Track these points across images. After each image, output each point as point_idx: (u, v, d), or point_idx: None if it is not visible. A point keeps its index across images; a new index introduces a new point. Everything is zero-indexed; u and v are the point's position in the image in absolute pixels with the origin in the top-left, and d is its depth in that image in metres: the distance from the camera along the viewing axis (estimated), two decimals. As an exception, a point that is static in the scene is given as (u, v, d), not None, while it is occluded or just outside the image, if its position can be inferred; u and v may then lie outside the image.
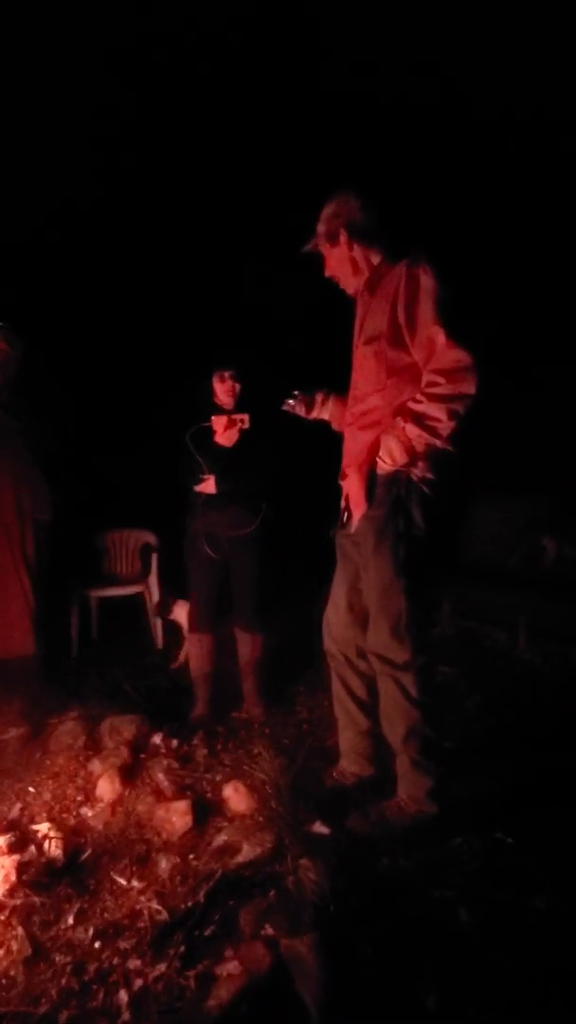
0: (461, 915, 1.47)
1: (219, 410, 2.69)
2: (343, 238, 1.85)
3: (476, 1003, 1.25)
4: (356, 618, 1.96)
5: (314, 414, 2.11)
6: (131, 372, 5.19)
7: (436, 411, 1.69)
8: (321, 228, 1.90)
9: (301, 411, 2.10)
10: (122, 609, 4.08)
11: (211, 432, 2.67)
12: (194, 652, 2.80)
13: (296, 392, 2.13)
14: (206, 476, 2.63)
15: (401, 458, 1.74)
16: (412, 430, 1.71)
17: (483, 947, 1.39)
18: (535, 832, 1.80)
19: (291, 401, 2.11)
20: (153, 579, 3.91)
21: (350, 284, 1.92)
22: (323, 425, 2.16)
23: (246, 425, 2.64)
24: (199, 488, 2.64)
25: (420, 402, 1.71)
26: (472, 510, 4.08)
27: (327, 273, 1.95)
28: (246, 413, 2.65)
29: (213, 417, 2.64)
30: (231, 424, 2.64)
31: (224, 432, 2.65)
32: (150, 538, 4.08)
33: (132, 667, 3.46)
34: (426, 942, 1.40)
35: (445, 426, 1.69)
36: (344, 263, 1.89)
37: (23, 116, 4.16)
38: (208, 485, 2.62)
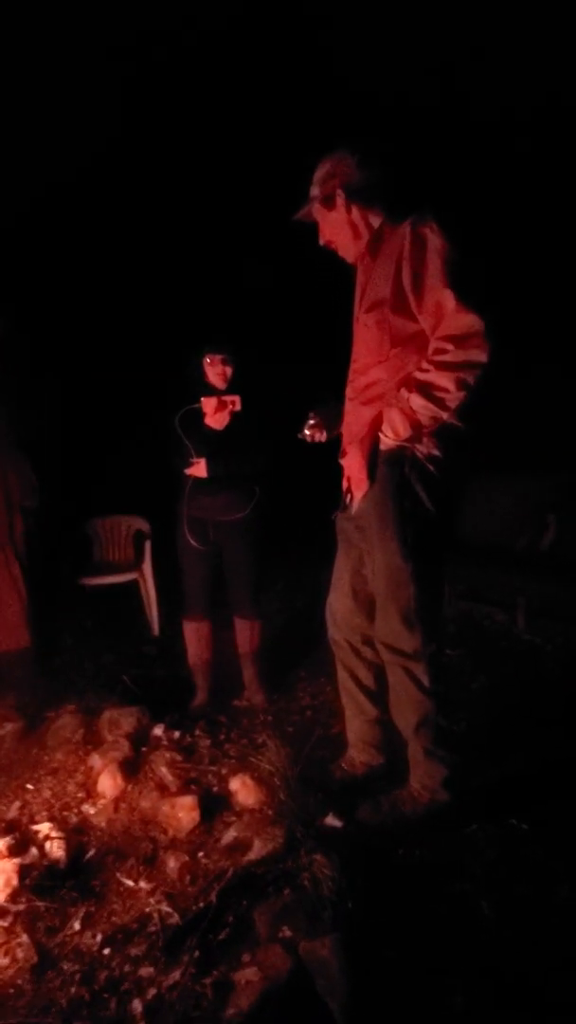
0: (483, 908, 1.43)
1: (209, 391, 2.58)
2: (340, 200, 1.70)
3: (504, 1001, 1.21)
4: (361, 605, 1.88)
5: (337, 431, 1.94)
6: (121, 355, 5.07)
7: (444, 380, 1.54)
8: (315, 191, 1.74)
9: (320, 436, 1.94)
10: (117, 598, 3.99)
11: (201, 414, 2.56)
12: (191, 640, 2.73)
13: (311, 414, 1.95)
14: (196, 460, 2.53)
15: (405, 432, 1.61)
16: (417, 401, 1.57)
17: (508, 942, 1.34)
18: (549, 817, 1.76)
19: (307, 431, 1.94)
20: (147, 566, 3.82)
21: (350, 251, 1.78)
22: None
23: (237, 407, 2.54)
24: (189, 471, 2.55)
25: (427, 371, 1.57)
26: (470, 488, 4.03)
27: (322, 241, 1.80)
28: (237, 395, 2.54)
29: (203, 399, 2.53)
30: (221, 406, 2.53)
31: (214, 415, 2.54)
32: (143, 524, 3.97)
33: (128, 657, 3.39)
34: (449, 938, 1.35)
35: (453, 397, 1.55)
36: (342, 228, 1.74)
37: (11, 106, 4.01)
38: (198, 468, 2.52)
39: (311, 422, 1.92)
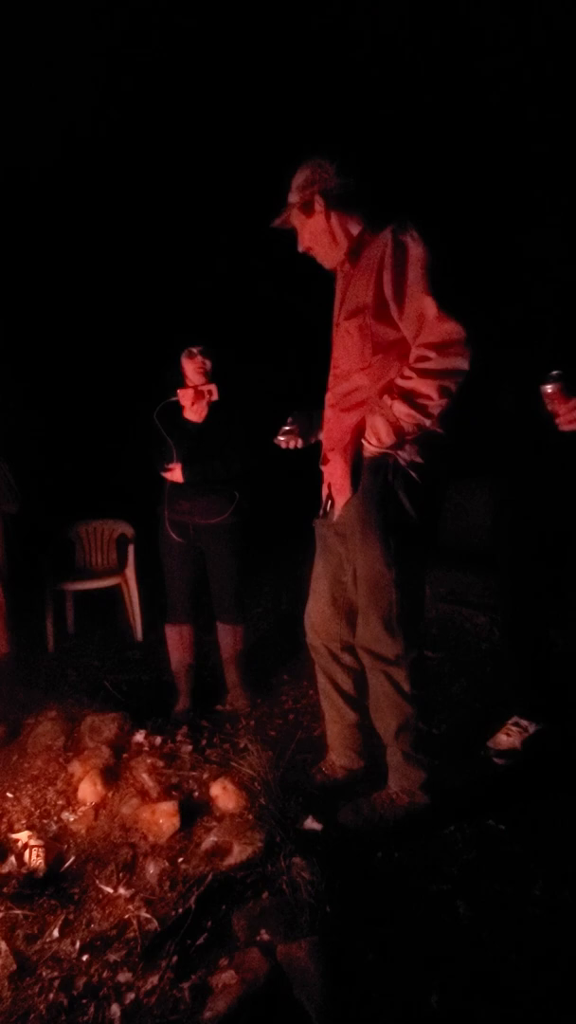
0: (460, 908, 1.46)
1: (182, 387, 2.58)
2: (319, 207, 1.71)
3: (480, 1000, 1.23)
4: (340, 611, 1.89)
5: (314, 438, 1.94)
6: (104, 357, 5.05)
7: (426, 388, 1.57)
8: (293, 199, 1.75)
9: (296, 442, 1.92)
10: (100, 603, 3.98)
11: (179, 408, 2.56)
12: (173, 644, 2.73)
13: (289, 420, 1.92)
14: (172, 464, 2.52)
15: (388, 439, 1.62)
16: (400, 408, 1.59)
17: (484, 941, 1.37)
18: (525, 818, 1.79)
19: (282, 437, 1.91)
20: (130, 571, 3.81)
21: (328, 257, 1.79)
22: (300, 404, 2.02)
23: (215, 396, 2.53)
24: (166, 476, 2.55)
25: (409, 378, 1.59)
26: (452, 492, 4.07)
27: (301, 247, 1.80)
28: (213, 384, 2.53)
29: (179, 391, 2.53)
30: (198, 396, 2.52)
31: (192, 406, 2.54)
32: (126, 529, 3.97)
33: (111, 662, 3.38)
34: (427, 939, 1.37)
35: (436, 404, 1.57)
36: (321, 235, 1.75)
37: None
38: (175, 474, 2.52)
39: (287, 428, 1.90)
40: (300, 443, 1.93)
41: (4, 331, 4.32)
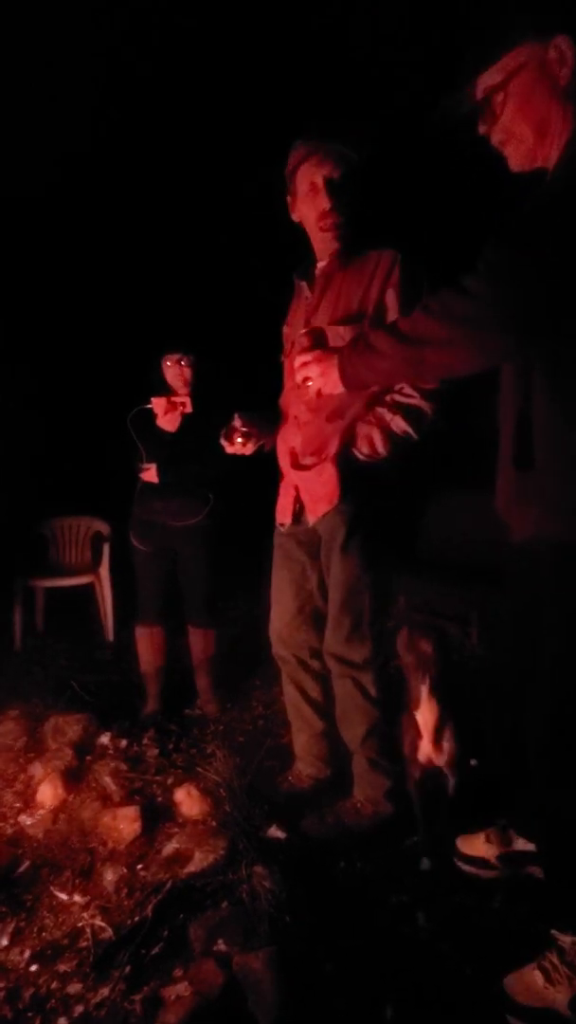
0: (419, 920, 1.44)
1: (163, 391, 2.55)
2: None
3: (435, 1013, 1.22)
4: (306, 619, 1.89)
5: (269, 443, 1.89)
6: (85, 352, 4.99)
7: (426, 407, 1.65)
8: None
9: (250, 448, 1.83)
10: (72, 601, 3.91)
11: (153, 415, 2.53)
12: (143, 646, 2.69)
13: (241, 423, 1.80)
14: (147, 464, 2.49)
15: (385, 450, 1.67)
16: (400, 423, 1.65)
17: (441, 953, 1.36)
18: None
19: (240, 440, 1.79)
20: (104, 570, 3.75)
21: (325, 250, 1.77)
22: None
23: (187, 409, 2.50)
24: (142, 476, 2.51)
25: (411, 396, 1.65)
26: (429, 504, 4.10)
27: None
28: (186, 396, 2.51)
29: (153, 399, 2.50)
30: (171, 407, 2.50)
31: (165, 415, 2.51)
32: (102, 526, 3.91)
33: (80, 662, 3.32)
34: (385, 951, 1.36)
35: (428, 421, 1.66)
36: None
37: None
38: (150, 473, 2.49)
39: (244, 430, 1.81)
40: (253, 448, 1.86)
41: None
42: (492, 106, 1.20)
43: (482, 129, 1.24)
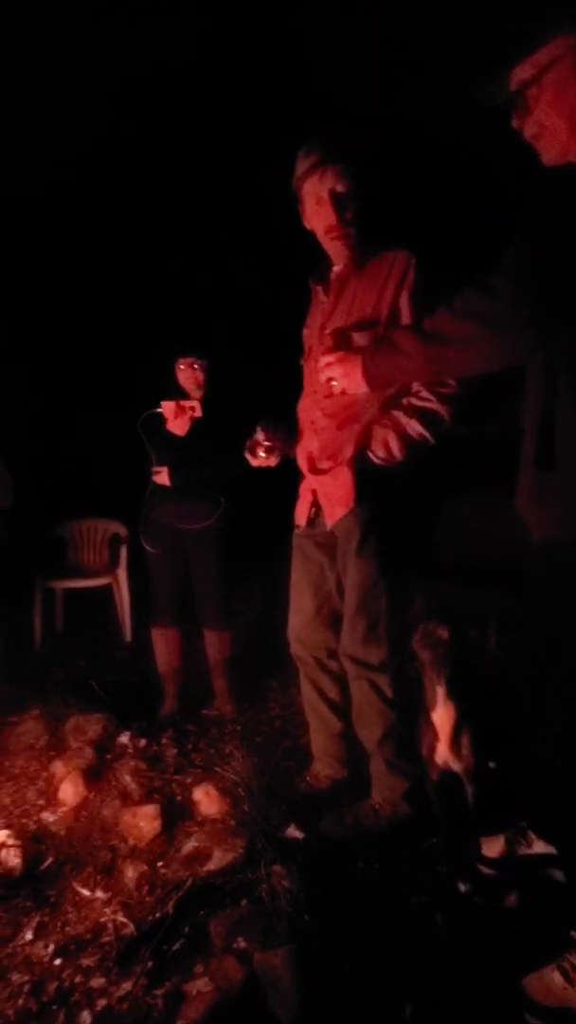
0: (437, 921, 1.44)
1: (183, 395, 2.57)
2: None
3: (452, 1012, 1.22)
4: (324, 620, 1.90)
5: (291, 451, 1.90)
6: (102, 352, 5.03)
7: (443, 411, 1.66)
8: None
9: (275, 459, 1.85)
10: (90, 602, 3.96)
11: (163, 419, 2.54)
12: (159, 647, 2.71)
13: (264, 435, 1.82)
14: (159, 467, 2.51)
15: (401, 454, 1.68)
16: (416, 427, 1.66)
17: (459, 954, 1.35)
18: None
19: (263, 453, 1.82)
20: (122, 571, 3.80)
21: (340, 257, 1.78)
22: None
23: (197, 413, 2.50)
24: (154, 478, 2.53)
25: (428, 400, 1.66)
26: (444, 505, 4.09)
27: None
28: (196, 401, 2.52)
29: (163, 403, 2.51)
30: (180, 411, 2.50)
31: (175, 420, 2.52)
32: (119, 528, 3.95)
33: (99, 662, 3.36)
34: (403, 950, 1.36)
35: (445, 425, 1.67)
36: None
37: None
38: (162, 476, 2.51)
39: (267, 444, 1.84)
40: (277, 460, 1.88)
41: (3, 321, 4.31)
42: (526, 100, 1.19)
43: (515, 123, 1.24)
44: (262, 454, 1.84)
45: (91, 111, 4.16)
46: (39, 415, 4.39)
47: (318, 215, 1.74)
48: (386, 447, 1.68)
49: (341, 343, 1.54)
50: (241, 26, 4.03)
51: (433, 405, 1.66)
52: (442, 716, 1.61)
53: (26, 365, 4.43)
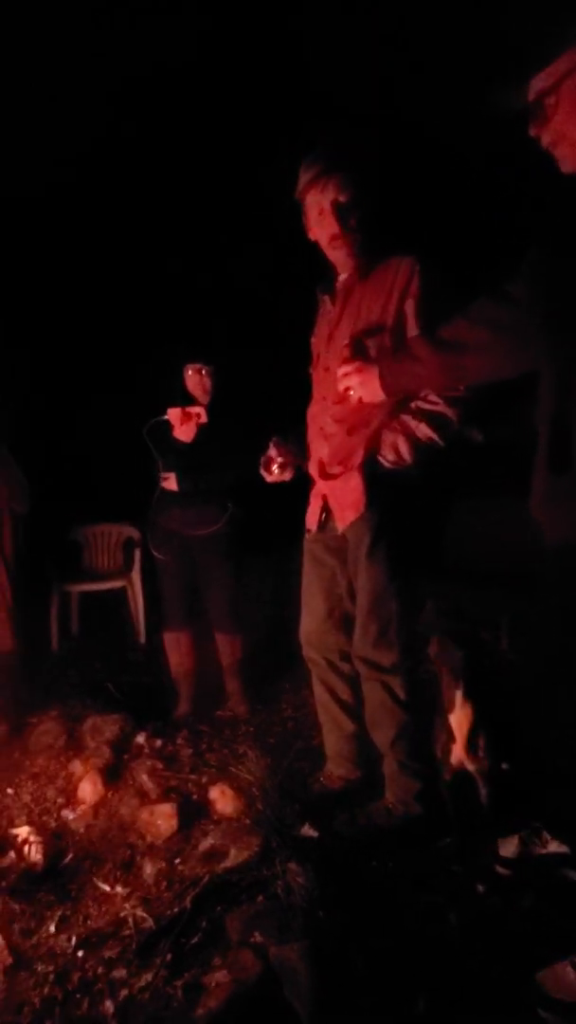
0: (451, 920, 1.47)
1: (191, 401, 2.60)
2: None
3: (464, 1005, 1.25)
4: (336, 622, 1.93)
5: (303, 463, 1.93)
6: (112, 363, 5.08)
7: (451, 414, 1.68)
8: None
9: (289, 474, 1.90)
10: (105, 604, 4.02)
11: (170, 426, 2.58)
12: (172, 650, 2.76)
13: (278, 450, 1.87)
14: (167, 473, 2.55)
15: (410, 457, 1.70)
16: (424, 430, 1.68)
17: (472, 952, 1.38)
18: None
19: (276, 469, 1.87)
20: (136, 574, 3.86)
21: (345, 266, 1.81)
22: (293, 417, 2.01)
23: (203, 419, 2.54)
24: (163, 484, 2.57)
25: (436, 403, 1.68)
26: (455, 509, 4.11)
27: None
28: (201, 408, 2.55)
29: (169, 410, 2.55)
30: (186, 418, 2.54)
31: (181, 426, 2.55)
32: (133, 532, 4.02)
33: (114, 664, 3.41)
34: (416, 947, 1.39)
35: (454, 427, 1.69)
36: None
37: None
38: (170, 481, 2.55)
39: (280, 460, 1.88)
40: (292, 475, 1.93)
41: (7, 327, 4.35)
42: (544, 109, 1.22)
43: (533, 131, 1.26)
44: (276, 470, 1.89)
45: (91, 111, 4.15)
46: (42, 416, 4.43)
47: (321, 226, 1.76)
48: (396, 451, 1.70)
49: (358, 352, 1.57)
50: (241, 26, 4.03)
51: (441, 408, 1.67)
52: (459, 718, 1.64)
53: (27, 366, 4.46)
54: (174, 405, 2.56)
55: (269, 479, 1.93)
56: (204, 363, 2.59)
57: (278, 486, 2.00)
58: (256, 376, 3.30)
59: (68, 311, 5.05)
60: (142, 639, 3.75)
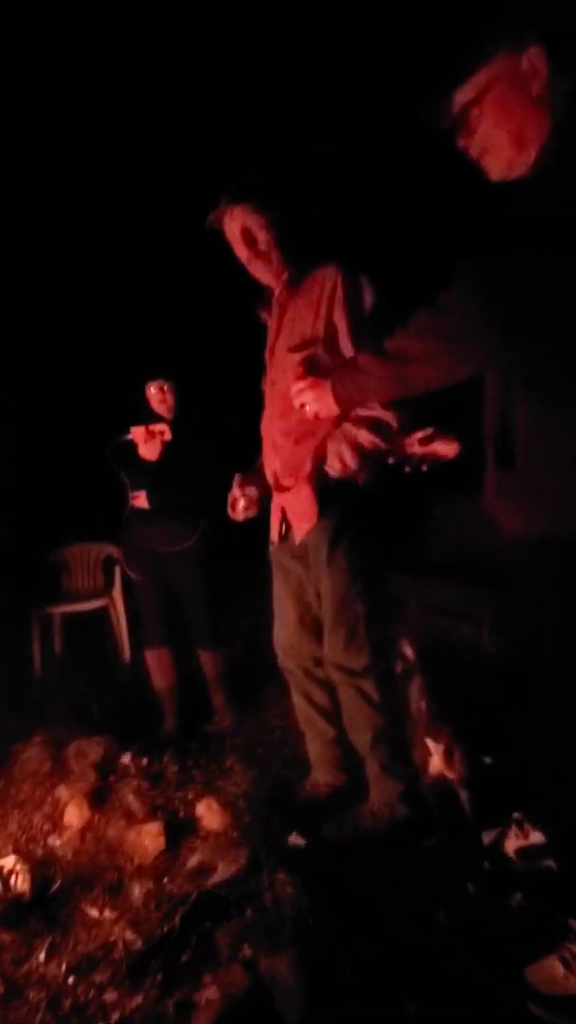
0: (439, 918, 1.49)
1: (155, 417, 2.61)
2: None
3: (454, 1005, 1.27)
4: (308, 630, 1.94)
5: (262, 490, 1.96)
6: (82, 379, 5.02)
7: (389, 417, 1.67)
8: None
9: (255, 510, 1.94)
10: (88, 624, 3.99)
11: (134, 445, 2.57)
12: (153, 668, 2.75)
13: (241, 488, 1.93)
14: (136, 492, 2.55)
15: (354, 464, 1.71)
16: (365, 436, 1.68)
17: (460, 951, 1.40)
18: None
19: (242, 508, 1.91)
20: (117, 592, 3.84)
21: (273, 282, 1.85)
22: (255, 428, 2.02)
23: (167, 437, 2.53)
24: (133, 502, 2.57)
25: (372, 408, 1.67)
26: (433, 507, 4.16)
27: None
28: (163, 424, 2.55)
29: (132, 428, 2.54)
30: (150, 436, 2.53)
31: (145, 444, 2.54)
32: (112, 550, 3.99)
33: (98, 684, 3.39)
34: (405, 950, 1.41)
35: (394, 430, 1.68)
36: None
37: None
38: (140, 499, 2.55)
39: (242, 499, 1.92)
40: (257, 510, 1.97)
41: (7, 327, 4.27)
42: (469, 120, 1.25)
43: (460, 143, 1.29)
44: (242, 507, 1.92)
45: (91, 111, 4.10)
46: (23, 440, 4.37)
47: (236, 250, 1.82)
48: (340, 459, 1.71)
49: (311, 369, 1.60)
50: (241, 26, 4.03)
51: (378, 412, 1.67)
52: (433, 735, 1.67)
53: (27, 366, 4.37)
54: (137, 423, 2.56)
55: (237, 519, 1.97)
56: (164, 379, 2.60)
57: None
58: (225, 388, 3.30)
59: (67, 311, 4.96)
60: (126, 657, 3.74)
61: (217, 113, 4.45)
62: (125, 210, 4.61)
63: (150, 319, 4.73)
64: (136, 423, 2.56)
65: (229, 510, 1.97)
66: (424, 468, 1.65)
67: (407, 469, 1.68)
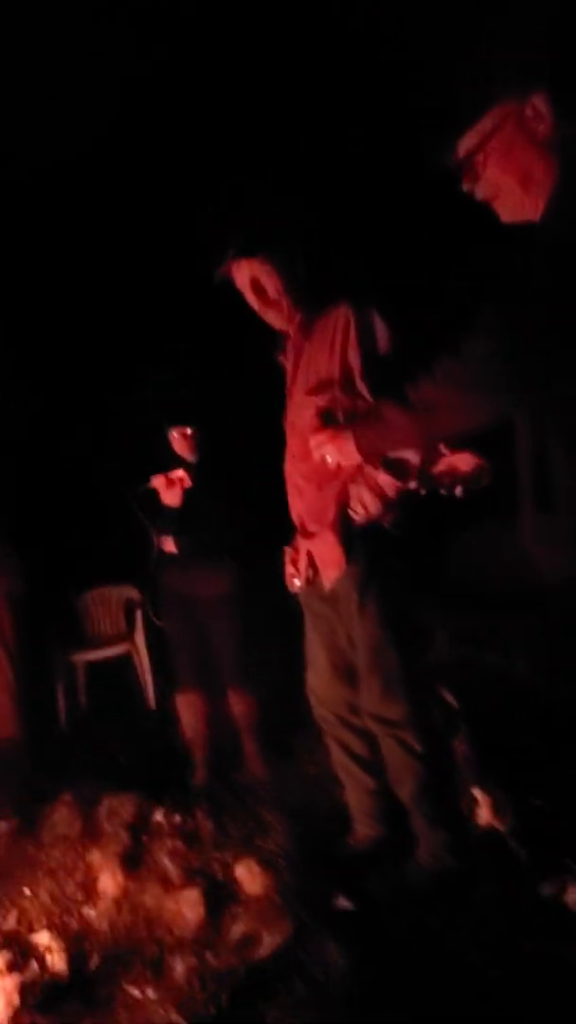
0: (493, 977, 1.39)
1: (178, 461, 2.60)
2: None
3: None
4: (341, 676, 1.87)
5: None
6: (101, 416, 5.00)
7: (410, 456, 1.62)
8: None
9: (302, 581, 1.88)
10: (112, 671, 3.93)
11: (156, 492, 2.56)
12: (185, 714, 2.69)
13: (290, 565, 1.87)
14: (163, 536, 2.53)
15: (376, 509, 1.67)
16: (384, 478, 1.65)
17: (515, 1006, 1.30)
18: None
19: (295, 581, 1.88)
20: (139, 636, 3.79)
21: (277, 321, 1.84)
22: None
23: (187, 483, 2.52)
24: (163, 546, 2.55)
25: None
26: (468, 536, 4.10)
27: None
28: (182, 470, 2.53)
29: (152, 479, 2.54)
30: (171, 483, 2.52)
31: (167, 491, 2.53)
32: (133, 593, 3.95)
33: (125, 734, 3.32)
34: (457, 1008, 1.31)
35: (415, 469, 1.63)
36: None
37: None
38: (168, 544, 2.53)
39: (295, 573, 1.87)
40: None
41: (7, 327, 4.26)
42: (474, 166, 1.25)
43: (466, 187, 1.29)
44: (297, 584, 1.88)
45: (91, 111, 4.09)
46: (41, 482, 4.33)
47: (248, 300, 1.82)
48: (363, 504, 1.67)
49: (327, 420, 1.58)
50: (241, 26, 4.10)
51: (399, 454, 1.63)
52: (479, 784, 1.59)
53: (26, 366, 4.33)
54: (156, 472, 2.55)
55: (295, 591, 1.92)
56: (187, 424, 2.60)
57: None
58: (247, 428, 3.28)
59: (67, 311, 4.99)
60: (152, 704, 3.67)
61: (217, 113, 4.46)
62: (125, 210, 4.58)
63: (152, 311, 4.68)
64: (157, 470, 2.56)
65: (288, 586, 1.92)
66: (457, 492, 1.61)
67: (443, 492, 1.63)
